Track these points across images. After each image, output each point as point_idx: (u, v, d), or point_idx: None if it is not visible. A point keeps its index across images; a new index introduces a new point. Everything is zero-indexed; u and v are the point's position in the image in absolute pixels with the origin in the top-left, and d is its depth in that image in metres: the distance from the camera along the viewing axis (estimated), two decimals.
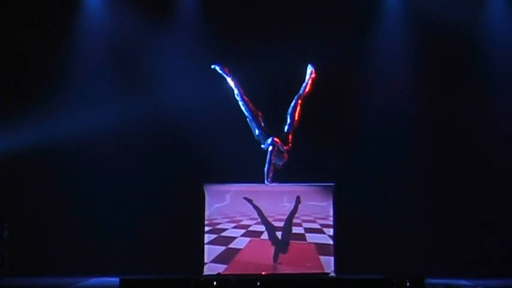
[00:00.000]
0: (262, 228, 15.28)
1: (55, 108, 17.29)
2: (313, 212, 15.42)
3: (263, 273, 15.07)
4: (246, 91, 16.25)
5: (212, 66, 15.97)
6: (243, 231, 15.24)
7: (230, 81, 15.81)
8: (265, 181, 15.46)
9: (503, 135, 17.32)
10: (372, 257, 16.65)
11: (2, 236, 16.50)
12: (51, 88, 17.45)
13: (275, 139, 15.35)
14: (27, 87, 17.55)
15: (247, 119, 15.62)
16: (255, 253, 15.24)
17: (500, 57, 17.51)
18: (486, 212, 17.08)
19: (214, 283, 13.21)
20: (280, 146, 15.32)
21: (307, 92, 15.79)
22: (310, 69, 15.94)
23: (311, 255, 15.23)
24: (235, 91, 15.74)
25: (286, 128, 15.51)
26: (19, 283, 15.40)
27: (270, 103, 16.13)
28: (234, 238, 15.24)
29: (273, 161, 15.40)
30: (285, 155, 15.44)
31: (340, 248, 15.38)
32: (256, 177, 15.66)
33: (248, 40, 17.41)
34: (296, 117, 15.53)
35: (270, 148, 15.31)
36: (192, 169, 17.13)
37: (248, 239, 15.22)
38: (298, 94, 15.71)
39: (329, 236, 15.26)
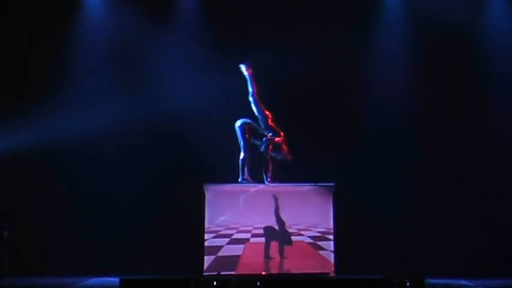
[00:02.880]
0: (246, 235, 15.25)
1: (55, 108, 17.29)
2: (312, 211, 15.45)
3: (263, 273, 15.08)
4: (245, 90, 16.43)
5: (240, 65, 15.95)
6: (227, 239, 15.21)
7: (249, 82, 15.90)
8: (265, 181, 15.51)
9: (503, 135, 17.32)
10: (372, 257, 16.65)
11: (2, 236, 16.50)
12: (51, 88, 17.45)
13: (267, 137, 15.50)
14: (27, 87, 17.55)
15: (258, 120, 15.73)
16: (257, 254, 15.23)
17: (500, 57, 17.51)
18: (486, 212, 17.07)
19: (214, 283, 13.22)
20: (273, 140, 15.45)
21: (256, 89, 15.76)
22: (243, 68, 15.89)
23: (310, 251, 15.24)
24: (250, 90, 15.82)
25: (262, 124, 15.58)
26: (19, 283, 15.40)
27: (270, 102, 16.11)
28: (220, 247, 15.20)
29: (271, 158, 15.50)
30: (283, 146, 15.56)
31: (340, 248, 15.37)
32: (256, 177, 15.69)
33: (248, 40, 17.40)
34: (264, 111, 15.59)
35: (264, 147, 15.45)
36: (192, 169, 17.13)
37: (237, 246, 15.18)
38: (250, 93, 15.71)
39: (308, 236, 15.29)
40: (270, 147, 15.55)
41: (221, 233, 15.27)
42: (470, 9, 17.44)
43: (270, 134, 15.67)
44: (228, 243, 15.22)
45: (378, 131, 17.36)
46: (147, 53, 17.67)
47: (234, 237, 15.27)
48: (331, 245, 15.26)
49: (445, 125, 17.50)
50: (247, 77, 15.90)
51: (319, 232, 15.34)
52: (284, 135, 15.66)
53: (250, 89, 15.83)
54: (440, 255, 16.85)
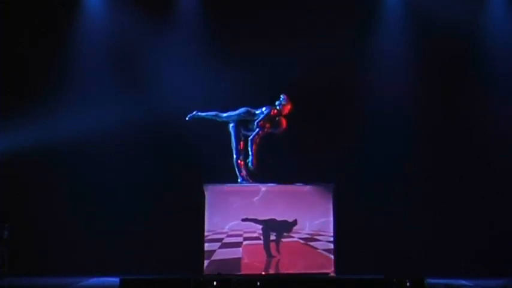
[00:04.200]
0: (238, 239, 15.27)
1: (55, 108, 17.29)
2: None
3: (263, 273, 15.08)
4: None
5: (188, 118, 16.21)
6: (218, 243, 15.23)
7: (210, 115, 16.10)
8: (249, 164, 15.53)
9: (503, 135, 17.31)
10: (372, 257, 16.65)
11: (2, 236, 16.50)
12: (51, 88, 17.46)
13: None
14: (27, 87, 17.55)
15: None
16: (256, 255, 15.24)
17: (500, 57, 17.51)
18: (486, 212, 17.07)
19: (214, 283, 13.23)
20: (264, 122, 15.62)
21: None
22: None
23: (309, 250, 15.26)
24: (219, 118, 16.02)
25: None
26: (19, 283, 15.40)
27: (270, 103, 16.11)
28: (213, 251, 15.21)
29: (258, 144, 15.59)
30: (282, 120, 15.56)
31: (340, 248, 15.38)
32: (256, 177, 15.70)
33: (248, 40, 17.41)
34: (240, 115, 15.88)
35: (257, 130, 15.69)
36: (192, 169, 17.13)
37: (231, 249, 15.21)
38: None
39: (307, 236, 15.30)
40: (264, 127, 15.57)
41: (221, 235, 15.30)
42: (470, 9, 17.44)
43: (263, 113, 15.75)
44: (228, 244, 15.25)
45: (378, 131, 17.36)
46: (147, 53, 17.67)
47: (225, 241, 15.30)
48: (330, 244, 15.26)
49: (445, 125, 17.49)
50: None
51: (318, 232, 15.35)
52: (276, 112, 15.68)
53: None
54: (440, 255, 16.84)
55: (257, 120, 15.71)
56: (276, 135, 15.84)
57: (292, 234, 15.35)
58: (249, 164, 15.61)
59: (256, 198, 15.47)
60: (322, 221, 15.35)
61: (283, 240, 15.31)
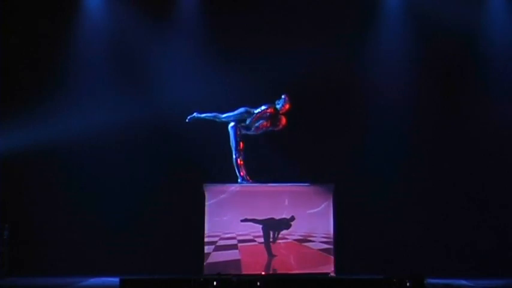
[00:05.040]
0: (233, 242, 15.27)
1: (55, 108, 17.29)
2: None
3: (263, 273, 15.08)
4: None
5: (188, 120, 16.17)
6: (212, 246, 15.24)
7: (210, 116, 16.08)
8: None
9: (503, 135, 17.31)
10: (372, 257, 16.65)
11: (2, 236, 16.49)
12: (51, 88, 17.45)
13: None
14: (27, 87, 17.55)
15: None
16: (258, 254, 15.24)
17: (500, 57, 17.51)
18: (486, 212, 17.07)
19: (214, 283, 13.22)
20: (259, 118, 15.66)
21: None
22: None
23: (309, 250, 15.26)
24: (218, 119, 16.01)
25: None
26: (19, 283, 15.40)
27: (269, 102, 16.11)
28: (208, 254, 15.22)
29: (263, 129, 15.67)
30: (281, 117, 15.59)
31: (340, 248, 15.38)
32: (256, 177, 15.70)
33: (248, 40, 17.41)
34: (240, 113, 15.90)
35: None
36: (192, 169, 17.12)
37: (231, 250, 15.22)
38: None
39: (308, 235, 15.30)
40: (262, 124, 15.61)
41: (221, 235, 15.30)
42: (470, 9, 17.43)
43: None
44: (227, 245, 15.25)
45: (378, 131, 17.35)
46: (147, 53, 17.67)
47: (218, 244, 15.30)
48: (330, 245, 15.26)
49: (445, 125, 17.49)
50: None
51: (318, 232, 15.34)
52: (273, 110, 15.70)
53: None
54: (440, 255, 16.84)
55: (253, 115, 15.74)
56: (276, 132, 15.83)
57: (292, 234, 15.34)
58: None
59: (255, 198, 15.47)
60: (322, 221, 15.34)
61: (284, 240, 15.30)
